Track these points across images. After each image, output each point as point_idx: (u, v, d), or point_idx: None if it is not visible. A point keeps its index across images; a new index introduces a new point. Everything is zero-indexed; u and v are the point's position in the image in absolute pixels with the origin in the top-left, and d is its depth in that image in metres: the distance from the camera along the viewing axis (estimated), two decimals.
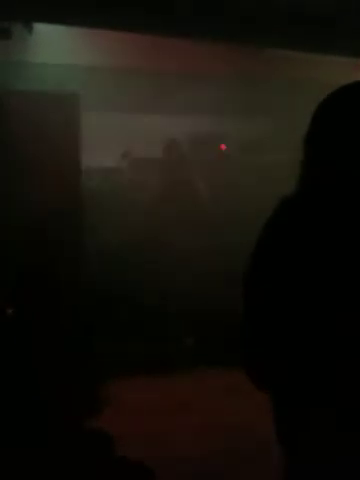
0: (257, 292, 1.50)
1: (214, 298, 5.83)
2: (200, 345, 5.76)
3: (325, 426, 1.42)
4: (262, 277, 1.49)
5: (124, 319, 5.66)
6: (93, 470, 3.28)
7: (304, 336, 1.43)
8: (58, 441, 3.50)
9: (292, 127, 6.30)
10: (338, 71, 6.10)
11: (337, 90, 1.55)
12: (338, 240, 1.42)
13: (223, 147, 6.91)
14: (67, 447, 3.45)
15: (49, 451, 3.39)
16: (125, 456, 3.41)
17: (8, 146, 4.95)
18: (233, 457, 3.79)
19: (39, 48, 5.81)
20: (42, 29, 5.77)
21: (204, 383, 5.00)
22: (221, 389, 4.79)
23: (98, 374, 4.72)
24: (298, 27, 5.63)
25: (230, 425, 4.22)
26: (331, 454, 1.42)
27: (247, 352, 1.52)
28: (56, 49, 5.89)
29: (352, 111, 1.50)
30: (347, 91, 1.54)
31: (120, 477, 3.32)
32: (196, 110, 6.50)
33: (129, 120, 6.29)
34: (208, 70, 6.54)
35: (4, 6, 4.96)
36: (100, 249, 5.91)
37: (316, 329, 1.42)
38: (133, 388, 4.77)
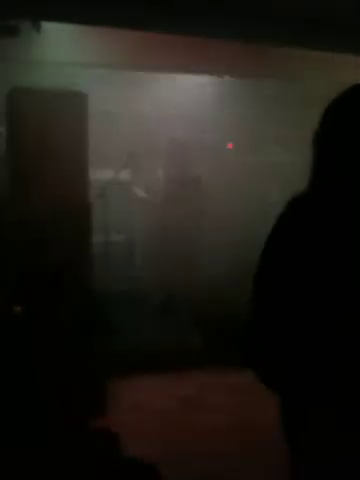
0: (267, 291, 1.49)
1: (215, 298, 5.83)
2: (201, 345, 5.76)
3: (332, 426, 1.42)
4: (273, 276, 1.48)
5: (124, 319, 5.66)
6: (99, 469, 3.27)
7: (314, 335, 1.42)
8: (60, 441, 3.49)
9: (294, 127, 6.32)
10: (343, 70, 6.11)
11: (347, 89, 1.54)
12: (348, 239, 1.42)
13: (231, 146, 6.92)
14: (70, 447, 3.44)
15: (51, 451, 3.39)
16: (133, 456, 3.40)
17: (15, 144, 4.95)
18: (233, 457, 3.79)
19: (46, 46, 5.80)
20: (49, 27, 5.76)
21: (205, 383, 4.99)
22: (221, 389, 4.79)
23: (98, 374, 4.71)
24: (298, 26, 5.63)
25: (230, 425, 4.21)
26: (337, 454, 1.42)
27: (254, 351, 1.51)
28: (63, 47, 5.87)
29: None
30: (357, 90, 1.53)
31: (127, 477, 3.32)
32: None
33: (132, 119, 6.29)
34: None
35: (10, 5, 4.95)
36: (101, 249, 5.91)
37: (326, 328, 1.41)
38: (133, 388, 4.76)
